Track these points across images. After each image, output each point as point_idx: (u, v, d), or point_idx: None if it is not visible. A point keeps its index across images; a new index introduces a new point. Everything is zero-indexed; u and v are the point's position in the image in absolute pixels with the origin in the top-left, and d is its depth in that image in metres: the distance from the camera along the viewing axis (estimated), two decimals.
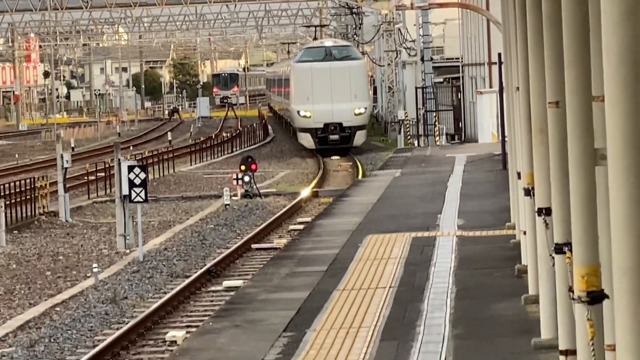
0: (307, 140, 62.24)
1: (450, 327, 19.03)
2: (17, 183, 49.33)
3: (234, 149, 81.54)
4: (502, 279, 23.28)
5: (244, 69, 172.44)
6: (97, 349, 23.33)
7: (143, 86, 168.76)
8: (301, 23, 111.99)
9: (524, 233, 21.93)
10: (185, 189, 58.20)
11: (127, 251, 37.11)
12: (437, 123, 76.11)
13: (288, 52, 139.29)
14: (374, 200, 40.56)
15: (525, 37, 18.54)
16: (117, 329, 25.51)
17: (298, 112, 62.72)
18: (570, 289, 11.26)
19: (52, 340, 25.40)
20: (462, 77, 79.59)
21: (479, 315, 19.99)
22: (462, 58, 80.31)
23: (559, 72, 12.26)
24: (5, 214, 42.40)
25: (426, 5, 75.25)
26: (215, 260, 33.76)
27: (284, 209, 45.43)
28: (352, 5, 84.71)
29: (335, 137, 61.02)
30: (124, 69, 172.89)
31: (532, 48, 16.76)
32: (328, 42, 69.00)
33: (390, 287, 23.18)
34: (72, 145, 61.02)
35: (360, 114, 62.42)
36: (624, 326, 7.23)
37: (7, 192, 45.34)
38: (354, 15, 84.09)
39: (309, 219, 40.54)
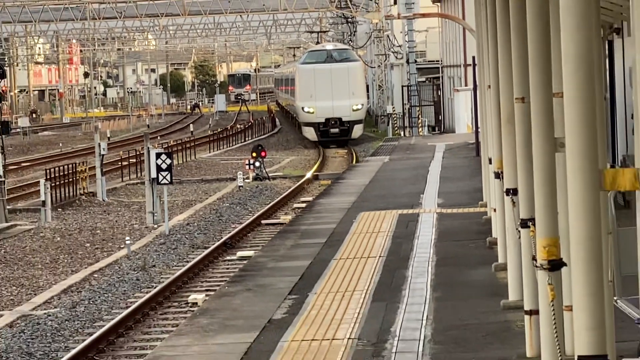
0: (310, 134, 61.86)
1: (431, 291, 19.07)
2: (61, 168, 49.24)
3: (247, 139, 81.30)
4: (476, 250, 23.32)
5: (255, 70, 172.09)
6: (129, 309, 23.30)
7: (168, 85, 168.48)
8: (304, 30, 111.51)
9: (494, 210, 21.98)
10: (204, 173, 58.12)
11: (155, 226, 37.12)
12: (420, 116, 76.21)
13: (293, 55, 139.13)
14: (366, 182, 40.59)
15: (495, 43, 18.52)
16: (147, 292, 25.50)
17: (302, 108, 62.20)
18: (534, 258, 11.27)
19: (91, 302, 25.41)
20: (442, 77, 79.70)
21: (456, 280, 20.04)
22: (441, 60, 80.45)
23: (524, 72, 12.25)
24: (51, 194, 42.38)
25: (411, 16, 75.43)
26: (231, 234, 33.77)
27: (289, 190, 45.40)
28: (347, 15, 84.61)
29: (336, 130, 60.63)
30: (152, 70, 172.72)
31: (501, 52, 16.75)
32: (329, 46, 68.85)
33: (380, 256, 23.20)
34: (108, 135, 60.94)
35: (357, 109, 61.85)
36: (579, 289, 7.24)
37: (53, 176, 45.28)
38: (349, 24, 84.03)
39: (310, 199, 40.54)
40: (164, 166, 37.32)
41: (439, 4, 77.44)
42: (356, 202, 34.04)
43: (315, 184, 47.81)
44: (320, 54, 64.06)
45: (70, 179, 47.76)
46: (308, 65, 62.95)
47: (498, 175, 19.08)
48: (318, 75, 60.98)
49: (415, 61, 78.34)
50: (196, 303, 23.01)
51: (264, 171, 52.23)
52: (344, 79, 60.79)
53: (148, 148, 39.75)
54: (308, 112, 61.39)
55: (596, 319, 7.19)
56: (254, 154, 54.78)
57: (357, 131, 61.05)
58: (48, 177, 44.59)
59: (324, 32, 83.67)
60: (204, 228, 36.95)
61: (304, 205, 38.65)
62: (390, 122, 74.91)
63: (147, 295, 24.61)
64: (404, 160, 50.48)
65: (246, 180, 50.18)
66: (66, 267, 30.66)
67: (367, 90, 69.58)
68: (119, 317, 22.57)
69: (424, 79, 79.91)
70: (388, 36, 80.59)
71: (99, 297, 25.92)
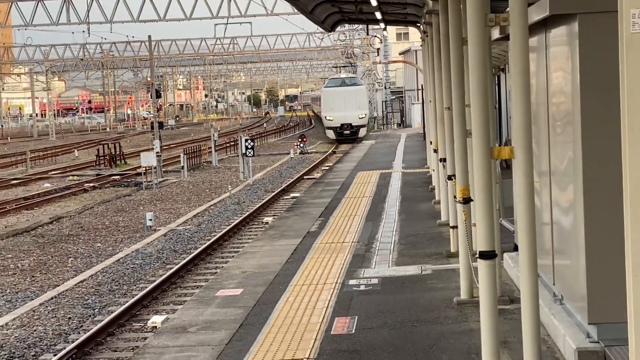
0: (330, 134, 59.07)
1: (397, 215, 19.04)
2: (192, 147, 49.47)
3: (295, 131, 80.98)
4: (423, 192, 23.24)
5: (300, 92, 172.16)
6: (230, 226, 23.35)
7: (252, 101, 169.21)
8: (328, 68, 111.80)
9: (433, 170, 21.95)
10: (272, 150, 57.88)
11: (245, 180, 37.16)
12: (392, 118, 76.77)
13: (323, 83, 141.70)
14: (361, 155, 40.49)
15: (432, 76, 18.44)
16: (240, 216, 25.52)
17: (325, 117, 59.56)
18: (455, 197, 11.24)
19: (209, 222, 25.44)
20: (404, 96, 79.45)
21: (412, 209, 19.98)
22: (404, 86, 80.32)
23: (448, 92, 12.22)
24: (187, 162, 42.59)
25: (386, 62, 75.71)
26: (286, 184, 33.76)
27: (318, 160, 45.30)
28: (352, 62, 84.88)
29: (348, 132, 57.85)
30: (243, 93, 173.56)
31: (436, 81, 16.69)
32: (343, 75, 66.44)
33: (370, 196, 23.16)
34: (218, 129, 61.10)
35: (362, 117, 58.98)
36: (480, 213, 7.21)
37: (187, 151, 45.36)
38: (352, 65, 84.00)
39: (330, 164, 40.48)
40: (249, 146, 37.48)
41: (403, 55, 77.29)
42: (356, 166, 34.05)
43: (333, 156, 47.79)
44: (337, 81, 62.18)
45: (197, 154, 47.84)
46: (329, 88, 60.99)
47: (435, 151, 19.06)
48: (335, 95, 58.89)
49: (390, 87, 78.74)
50: (267, 222, 23.07)
51: (305, 149, 52.32)
52: (352, 97, 58.59)
53: (240, 136, 39.96)
54: (329, 120, 58.75)
55: (489, 230, 7.15)
56: (299, 139, 54.91)
57: (362, 132, 58.95)
58: (185, 152, 44.68)
59: (341, 67, 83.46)
60: (272, 181, 36.97)
61: (327, 168, 38.69)
62: (375, 121, 75.50)
63: (240, 218, 24.69)
64: (383, 143, 50.41)
65: (295, 154, 50.29)
66: (195, 203, 30.77)
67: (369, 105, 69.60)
68: (224, 230, 22.66)
69: (394, 97, 79.99)
70: (374, 73, 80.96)
71: (213, 219, 26.02)
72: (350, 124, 58.27)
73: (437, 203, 19.53)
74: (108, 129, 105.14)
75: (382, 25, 26.68)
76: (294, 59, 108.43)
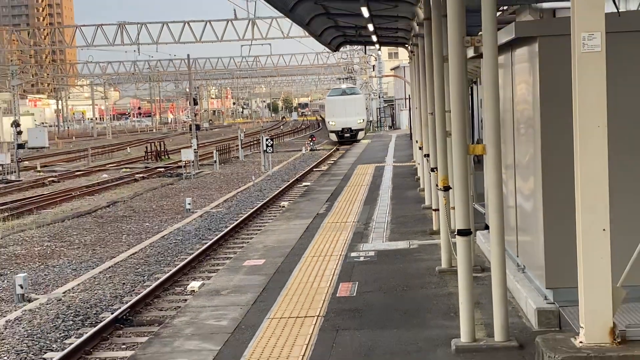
0: (333, 137, 56.67)
1: (390, 200, 18.94)
2: (223, 145, 49.44)
3: (306, 132, 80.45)
4: (411, 182, 23.10)
5: (310, 100, 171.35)
6: (253, 209, 23.33)
7: (271, 108, 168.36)
8: (333, 81, 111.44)
9: (419, 164, 21.84)
10: (287, 147, 57.50)
11: (265, 171, 37.14)
12: (384, 122, 76.08)
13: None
14: (360, 152, 40.26)
15: (418, 88, 18.37)
16: (262, 201, 25.51)
17: (329, 122, 57.33)
18: (437, 185, 11.21)
19: (236, 206, 25.43)
20: (395, 104, 79.02)
21: (401, 196, 19.86)
22: (394, 96, 79.90)
23: (432, 100, 12.19)
24: (218, 157, 42.59)
25: (380, 76, 75.55)
26: (299, 175, 33.68)
27: (325, 155, 45.16)
28: (352, 76, 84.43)
29: (347, 135, 55.12)
30: (263, 101, 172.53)
31: (422, 91, 16.63)
32: (343, 86, 63.34)
33: (367, 185, 23.05)
34: (244, 130, 60.80)
35: (360, 122, 56.49)
36: (457, 198, 7.20)
37: (219, 148, 45.43)
38: (352, 79, 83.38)
39: (335, 159, 40.37)
40: (269, 144, 37.41)
41: (393, 71, 76.96)
42: (356, 161, 33.85)
43: (337, 153, 47.58)
44: (338, 90, 59.68)
45: (227, 150, 47.86)
46: (332, 97, 58.61)
47: (420, 148, 18.98)
48: (337, 102, 56.41)
49: (383, 97, 78.29)
50: (284, 206, 23.04)
51: (314, 146, 52.16)
52: (352, 105, 56.04)
53: (262, 136, 39.89)
54: (332, 124, 56.44)
55: (465, 212, 7.14)
56: (310, 139, 54.70)
57: (361, 135, 56.54)
58: (217, 149, 44.71)
59: (344, 79, 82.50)
60: (287, 172, 36.86)
61: (332, 162, 38.55)
62: (371, 124, 74.95)
63: (262, 202, 24.66)
64: (378, 142, 50.01)
65: (306, 151, 50.15)
66: (225, 190, 30.76)
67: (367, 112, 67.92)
68: (249, 212, 22.65)
69: (386, 105, 79.34)
70: (370, 85, 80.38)
71: (240, 203, 26.02)
72: (350, 128, 55.99)
73: (421, 190, 19.44)
74: (154, 130, 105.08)
75: (377, 46, 26.66)
76: (305, 73, 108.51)
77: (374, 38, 23.51)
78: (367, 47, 58.22)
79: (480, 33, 6.93)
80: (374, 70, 78.20)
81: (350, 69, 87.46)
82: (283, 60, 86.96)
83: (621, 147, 6.76)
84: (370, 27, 19.31)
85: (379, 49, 46.69)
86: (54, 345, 11.16)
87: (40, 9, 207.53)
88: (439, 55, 10.94)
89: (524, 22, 8.19)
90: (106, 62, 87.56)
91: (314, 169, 36.72)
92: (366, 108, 64.90)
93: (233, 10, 52.39)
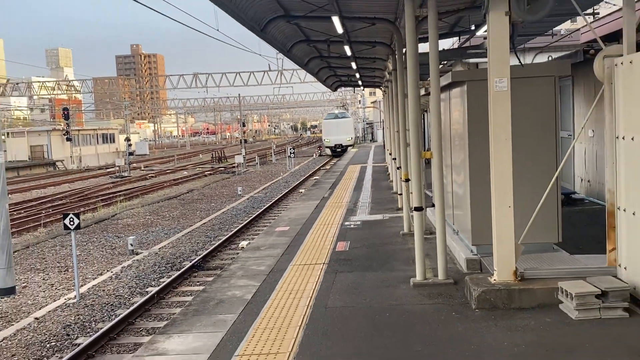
0: (327, 152, 50.12)
1: (370, 188, 18.73)
2: (262, 152, 49.29)
3: (316, 144, 79.82)
4: (384, 176, 22.70)
5: (318, 123, 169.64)
6: (282, 194, 22.83)
7: (293, 128, 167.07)
8: (330, 109, 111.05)
9: (389, 164, 21.64)
10: (303, 153, 57.00)
11: (289, 170, 36.88)
12: (365, 137, 75.03)
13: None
14: (351, 157, 39.79)
15: (389, 114, 18.23)
16: (287, 189, 24.86)
17: (325, 140, 50.85)
18: (401, 178, 11.14)
19: (270, 192, 24.95)
20: (373, 125, 78.50)
21: (378, 185, 19.57)
22: (373, 120, 79.29)
23: (396, 122, 12.11)
24: (259, 160, 42.38)
25: (363, 107, 75.09)
26: (311, 172, 33.43)
27: (328, 159, 44.98)
28: (345, 107, 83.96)
29: (339, 150, 48.77)
30: (288, 124, 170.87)
31: (391, 116, 16.50)
32: (336, 111, 56.91)
33: (355, 178, 22.77)
34: (275, 143, 60.38)
35: (349, 140, 50.57)
36: (414, 186, 7.15)
37: (259, 155, 45.28)
38: (345, 108, 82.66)
39: (335, 161, 40.12)
40: (292, 151, 37.27)
41: (373, 103, 76.48)
42: (348, 162, 33.43)
43: (335, 158, 47.38)
44: (332, 115, 53.35)
45: (264, 156, 47.75)
46: (327, 120, 52.37)
47: (390, 154, 18.87)
48: (331, 124, 50.57)
49: (365, 121, 77.71)
50: (302, 192, 22.85)
51: (321, 153, 51.82)
52: (343, 126, 50.49)
53: (287, 147, 39.82)
54: (327, 141, 50.21)
55: (419, 196, 7.11)
56: (319, 148, 54.44)
57: (350, 149, 50.39)
58: (258, 155, 44.61)
59: (341, 106, 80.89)
60: (304, 170, 36.50)
61: (333, 163, 38.34)
62: (358, 139, 73.73)
63: (287, 190, 24.44)
64: (362, 150, 49.41)
65: (316, 156, 49.87)
66: (263, 182, 30.57)
67: (354, 131, 64.24)
68: (278, 196, 22.42)
69: (367, 126, 78.51)
70: (357, 113, 79.97)
71: (273, 190, 25.83)
72: (341, 144, 50.43)
73: (391, 182, 19.35)
74: (217, 143, 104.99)
75: (361, 87, 26.54)
76: (315, 105, 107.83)
77: (360, 82, 23.43)
78: (355, 88, 57.51)
79: (428, 79, 6.91)
80: (360, 103, 77.81)
81: (344, 102, 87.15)
82: (301, 97, 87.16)
83: (519, 151, 6.75)
84: (357, 74, 19.19)
85: (363, 89, 46.54)
86: (153, 283, 11.21)
87: (143, 63, 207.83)
88: (402, 93, 10.89)
89: (457, 71, 8.11)
90: (185, 99, 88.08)
91: (321, 168, 36.56)
92: (354, 128, 61.17)
93: (268, 65, 52.17)
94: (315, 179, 28.03)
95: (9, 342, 8.21)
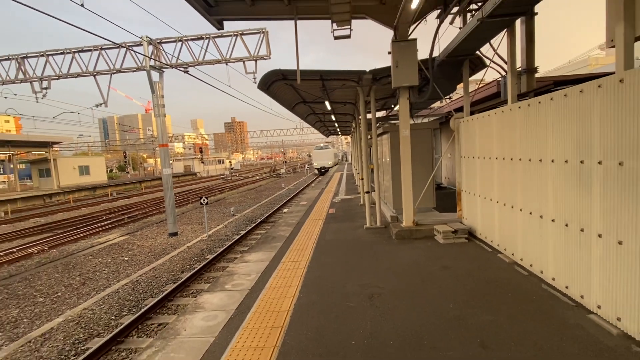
0: (315, 172, 37.56)
1: (345, 185, 17.72)
2: (293, 167, 47.14)
3: (314, 164, 76.95)
4: (352, 180, 21.44)
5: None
6: (303, 187, 21.36)
7: (308, 155, 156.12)
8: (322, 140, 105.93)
9: (357, 174, 19.80)
10: (306, 173, 47.15)
11: (306, 175, 34.76)
12: (347, 160, 60.39)
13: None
14: (333, 171, 37.31)
15: (356, 147, 17.55)
16: (305, 185, 23.18)
17: (313, 164, 39.18)
18: (360, 179, 10.80)
19: (298, 186, 23.36)
20: (347, 153, 73.69)
21: (349, 183, 18.45)
22: (347, 150, 73.23)
23: (360, 153, 11.80)
24: (292, 170, 39.95)
25: (342, 143, 71.36)
26: (313, 180, 31.36)
27: (322, 176, 37.50)
28: (332, 142, 76.75)
29: (323, 170, 36.41)
30: (305, 152, 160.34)
31: (357, 149, 15.85)
32: (322, 144, 43.47)
33: (337, 180, 21.54)
34: (299, 163, 53.51)
35: (330, 164, 38.70)
36: (365, 183, 7.04)
37: (292, 168, 42.85)
38: (332, 144, 71.60)
39: (324, 175, 37.77)
40: (307, 167, 35.62)
41: (347, 141, 70.56)
42: (333, 173, 31.63)
43: (324, 175, 41.52)
44: (319, 147, 41.31)
45: (295, 168, 45.87)
46: (315, 150, 40.57)
47: (356, 168, 17.41)
48: (318, 153, 39.50)
49: (343, 151, 72.92)
50: (312, 186, 21.63)
51: (320, 171, 44.04)
52: (326, 154, 39.36)
53: (306, 165, 38.17)
54: (315, 165, 38.01)
55: (368, 186, 7.03)
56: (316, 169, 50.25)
57: (331, 169, 38.42)
58: (292, 168, 43.08)
59: (327, 142, 72.31)
60: (313, 176, 34.22)
61: (324, 175, 36.58)
62: (339, 161, 65.23)
63: (304, 185, 23.21)
64: (341, 167, 45.60)
65: (315, 171, 45.78)
66: (293, 181, 28.70)
67: (335, 157, 48.46)
68: (301, 188, 21.25)
69: (344, 153, 72.25)
70: (339, 146, 76.04)
71: (299, 185, 24.27)
72: (325, 167, 39.28)
73: (357, 184, 18.38)
74: (272, 164, 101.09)
75: (340, 134, 25.52)
76: (313, 142, 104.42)
77: (339, 130, 22.45)
78: (338, 134, 53.21)
79: (371, 131, 6.93)
80: (340, 141, 75.38)
81: (332, 141, 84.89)
82: (307, 137, 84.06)
83: (415, 164, 6.83)
84: (339, 129, 18.65)
85: (340, 134, 43.27)
86: (241, 231, 11.10)
87: (237, 125, 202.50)
88: (359, 136, 10.75)
89: (385, 126, 8.15)
90: (257, 142, 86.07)
91: (319, 177, 34.91)
92: (335, 155, 51.14)
93: (296, 124, 49.73)
94: (318, 180, 27.04)
95: (176, 257, 8.66)
